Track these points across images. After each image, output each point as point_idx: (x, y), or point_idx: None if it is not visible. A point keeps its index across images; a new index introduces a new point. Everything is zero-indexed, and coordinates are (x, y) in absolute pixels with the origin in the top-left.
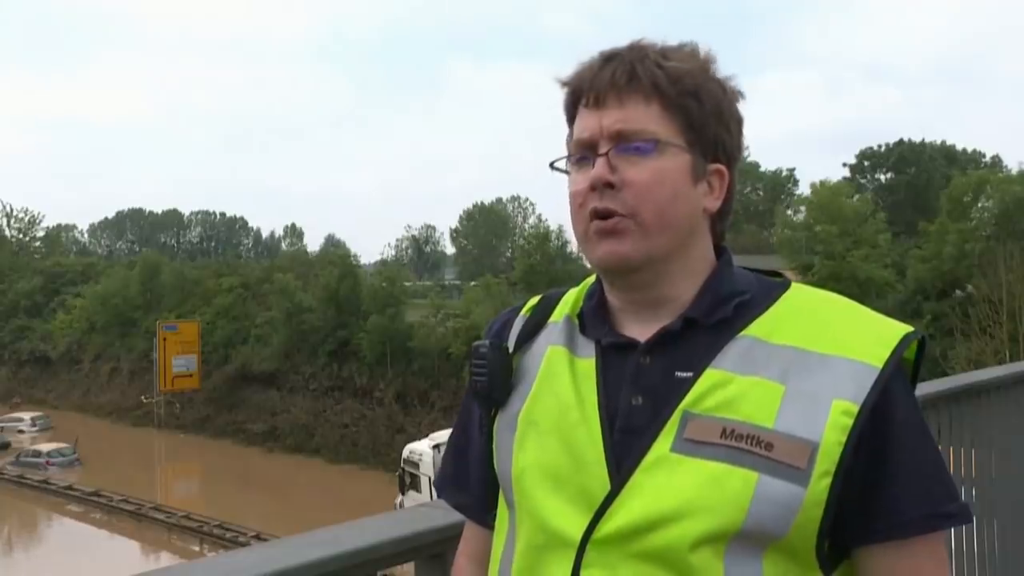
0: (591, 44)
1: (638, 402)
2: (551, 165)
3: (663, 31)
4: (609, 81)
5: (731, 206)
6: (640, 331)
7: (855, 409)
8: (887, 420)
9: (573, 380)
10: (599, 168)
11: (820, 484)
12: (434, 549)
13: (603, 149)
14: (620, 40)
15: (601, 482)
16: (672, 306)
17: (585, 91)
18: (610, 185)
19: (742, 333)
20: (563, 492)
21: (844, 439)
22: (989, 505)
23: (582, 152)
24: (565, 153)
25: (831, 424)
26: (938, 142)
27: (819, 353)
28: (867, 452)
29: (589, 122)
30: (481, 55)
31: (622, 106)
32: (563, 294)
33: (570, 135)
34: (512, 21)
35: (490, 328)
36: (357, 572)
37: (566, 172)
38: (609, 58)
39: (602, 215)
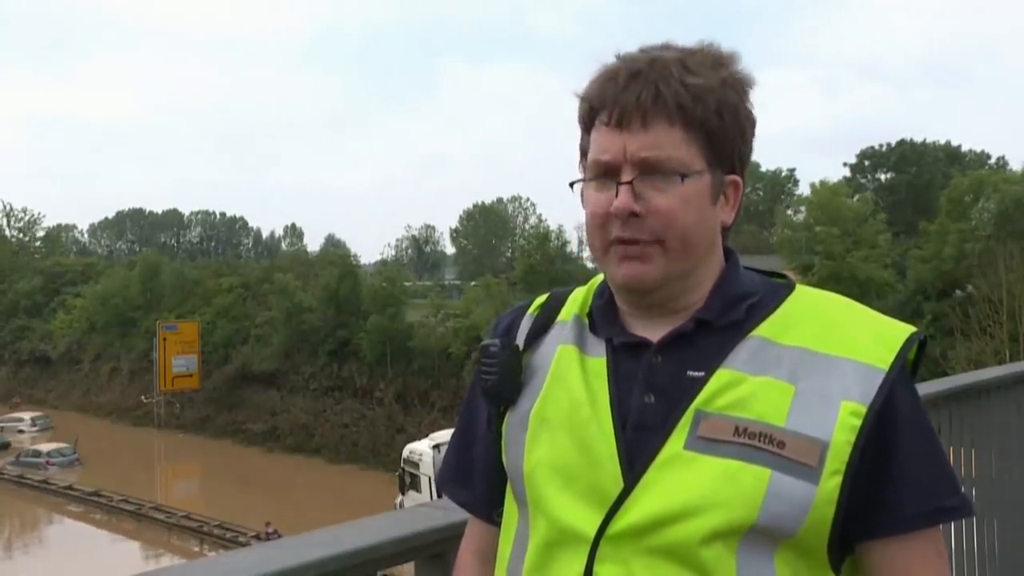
0: (588, 44)
1: (650, 400)
2: (571, 185)
3: (657, 31)
4: (634, 103)
5: (740, 210)
6: (651, 330)
7: (863, 410)
8: (892, 420)
9: (584, 379)
10: (624, 198)
11: (830, 482)
12: (434, 549)
13: (627, 177)
14: (616, 40)
15: (614, 479)
16: (683, 308)
17: (608, 108)
18: (635, 215)
19: (752, 334)
20: (575, 489)
21: (853, 439)
22: (989, 505)
23: (603, 174)
24: (575, 157)
25: (840, 424)
26: (941, 142)
27: (827, 354)
28: (873, 451)
29: (611, 143)
30: (479, 55)
31: (646, 130)
32: (570, 292)
33: (584, 141)
34: (512, 20)
35: (496, 326)
36: (357, 572)
37: (582, 180)
38: (633, 75)
39: (626, 243)
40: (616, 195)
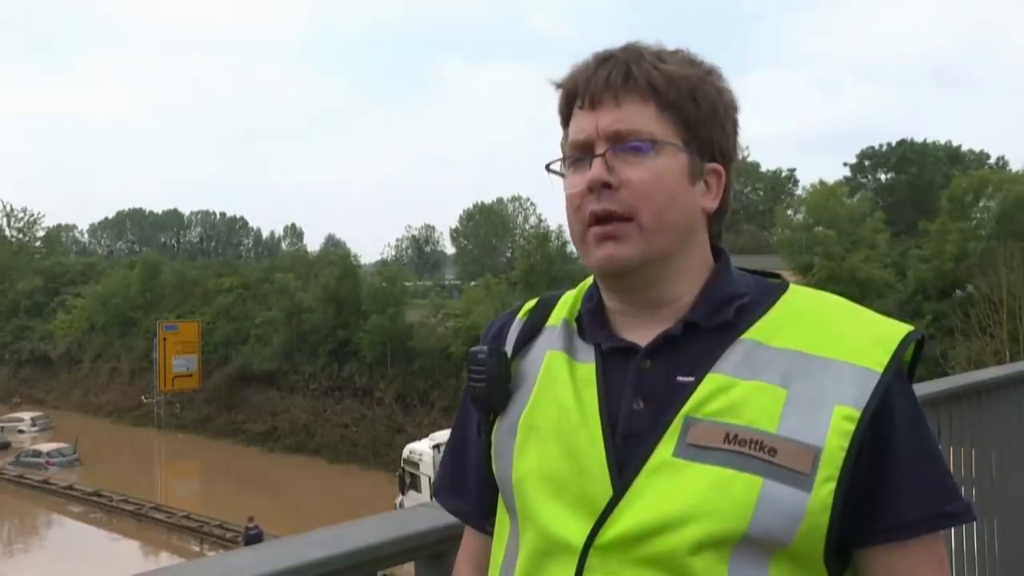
0: (589, 45)
1: (639, 407)
2: (547, 167)
3: (658, 32)
4: (605, 82)
5: (728, 206)
6: (639, 335)
7: (857, 415)
8: (888, 424)
9: (573, 385)
10: (596, 169)
11: (824, 489)
12: (434, 549)
13: (600, 150)
14: (611, 40)
15: (603, 487)
16: (671, 308)
17: (580, 92)
18: (608, 186)
19: (742, 337)
20: (564, 497)
21: (847, 444)
22: (989, 505)
23: (578, 153)
24: (560, 155)
25: (833, 429)
26: (941, 142)
27: (820, 357)
28: (869, 456)
29: (585, 123)
30: (479, 55)
31: (618, 106)
32: (559, 297)
33: (565, 137)
34: (512, 21)
35: (487, 332)
36: (357, 572)
37: (561, 175)
38: (604, 59)
39: (600, 217)
40: (590, 169)
